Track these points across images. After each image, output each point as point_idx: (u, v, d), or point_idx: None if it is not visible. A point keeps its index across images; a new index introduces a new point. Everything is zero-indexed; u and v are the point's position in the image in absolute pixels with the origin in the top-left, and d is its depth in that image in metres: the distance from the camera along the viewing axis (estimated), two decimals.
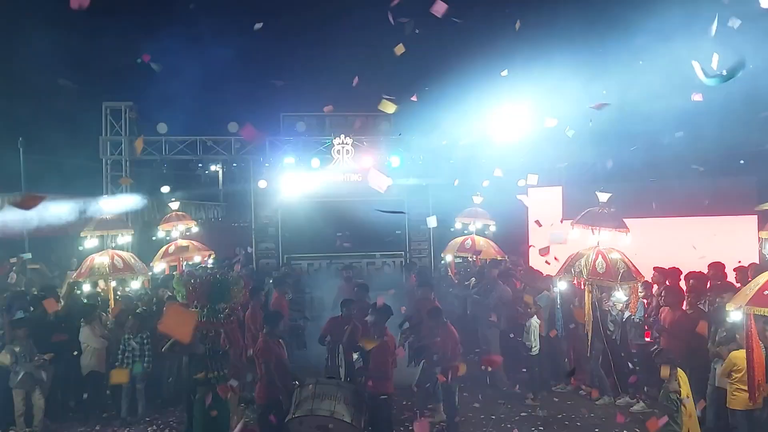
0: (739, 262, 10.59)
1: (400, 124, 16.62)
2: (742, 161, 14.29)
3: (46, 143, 16.58)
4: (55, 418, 9.72)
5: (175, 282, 8.10)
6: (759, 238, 10.24)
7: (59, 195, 16.36)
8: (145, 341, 9.88)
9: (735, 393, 7.30)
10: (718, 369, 8.18)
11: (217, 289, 7.37)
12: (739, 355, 7.23)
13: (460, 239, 14.09)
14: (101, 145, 16.66)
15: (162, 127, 16.66)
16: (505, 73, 12.58)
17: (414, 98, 11.70)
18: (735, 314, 7.19)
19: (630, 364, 10.25)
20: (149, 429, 9.47)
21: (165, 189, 16.10)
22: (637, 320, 9.97)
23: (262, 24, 10.84)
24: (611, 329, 10.11)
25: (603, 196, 9.66)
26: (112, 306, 10.89)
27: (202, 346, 7.36)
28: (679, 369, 7.48)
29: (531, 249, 14.82)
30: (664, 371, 7.25)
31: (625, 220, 9.55)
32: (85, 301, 11.04)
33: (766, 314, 6.67)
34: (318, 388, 7.90)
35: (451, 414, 8.80)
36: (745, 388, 7.11)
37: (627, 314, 10.01)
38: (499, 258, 13.28)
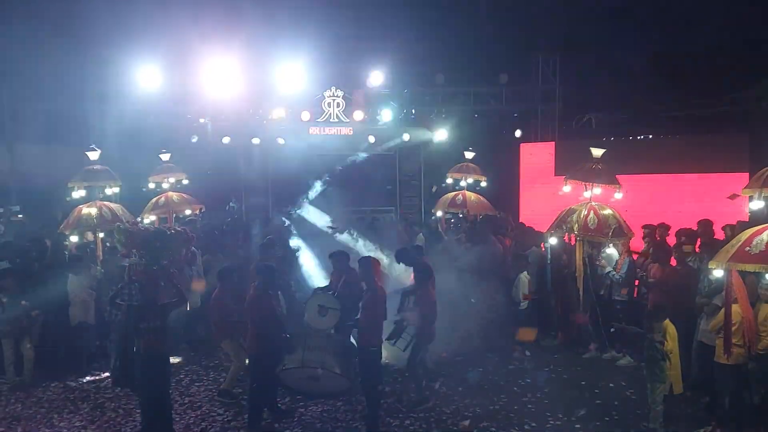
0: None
1: (393, 76, 16.34)
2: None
3: (30, 90, 16.18)
4: (44, 368, 9.73)
5: (116, 231, 8.17)
6: (747, 196, 10.25)
7: (46, 144, 16.13)
8: (134, 293, 9.82)
9: None
10: (703, 324, 8.25)
11: (156, 241, 7.45)
12: (733, 310, 7.27)
13: (451, 195, 14.07)
14: (88, 94, 16.27)
15: None
16: None
17: None
18: (717, 271, 7.22)
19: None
20: None
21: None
22: (618, 277, 10.01)
23: None
24: (600, 285, 10.17)
25: (596, 152, 9.61)
26: (101, 258, 10.82)
27: (141, 297, 7.33)
28: (669, 323, 7.53)
29: (521, 205, 14.84)
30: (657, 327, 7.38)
31: (617, 176, 9.53)
32: (75, 252, 10.97)
33: (746, 270, 6.72)
34: (308, 341, 7.94)
35: (411, 366, 8.67)
36: (739, 342, 7.19)
37: (608, 270, 10.05)
38: (490, 214, 13.28)
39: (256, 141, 16.64)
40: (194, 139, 16.50)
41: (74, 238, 11.16)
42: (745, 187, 9.57)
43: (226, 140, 16.63)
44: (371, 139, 16.59)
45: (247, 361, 8.39)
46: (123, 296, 7.71)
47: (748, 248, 6.51)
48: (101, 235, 11.16)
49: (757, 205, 9.33)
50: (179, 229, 8.41)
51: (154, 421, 7.05)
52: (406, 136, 16.75)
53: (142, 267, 7.56)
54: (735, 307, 7.13)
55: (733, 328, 7.13)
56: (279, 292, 8.76)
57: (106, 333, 10.03)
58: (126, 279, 7.86)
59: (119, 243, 7.88)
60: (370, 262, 7.82)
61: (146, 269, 7.49)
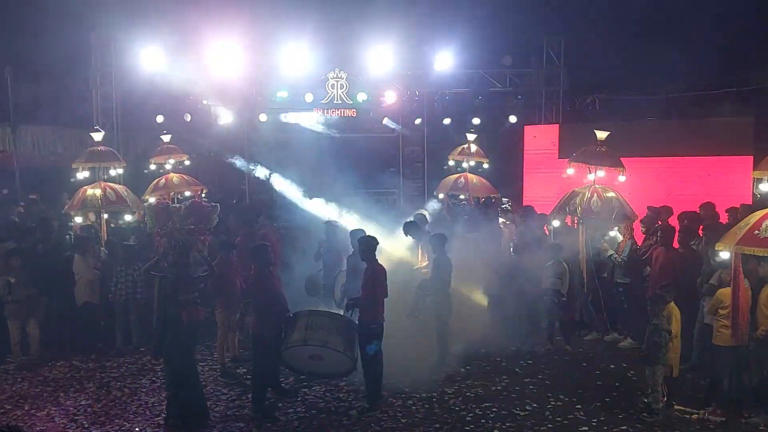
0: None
1: (396, 57, 16.23)
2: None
3: (35, 72, 16.15)
4: (50, 348, 9.82)
5: (147, 210, 8.56)
6: (752, 177, 10.25)
7: (49, 125, 16.13)
8: (138, 273, 9.90)
9: (720, 330, 7.38)
10: (705, 306, 8.27)
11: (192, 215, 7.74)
12: (726, 293, 7.29)
13: (453, 177, 14.05)
14: (91, 76, 16.25)
15: None
16: None
17: None
18: (723, 253, 7.22)
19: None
20: (144, 359, 9.58)
21: (159, 119, 15.82)
22: (620, 260, 10.01)
23: None
24: (602, 267, 10.19)
25: (601, 134, 9.58)
26: (104, 238, 10.87)
27: (174, 269, 7.46)
28: (674, 307, 7.53)
29: (525, 187, 14.81)
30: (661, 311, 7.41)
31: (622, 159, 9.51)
32: (79, 232, 11.02)
33: (755, 254, 6.70)
34: (311, 319, 7.98)
35: (440, 336, 8.99)
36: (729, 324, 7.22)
37: (610, 252, 10.05)
38: (492, 196, 13.28)
39: (263, 118, 16.60)
40: (188, 119, 16.45)
41: (79, 219, 11.21)
42: (755, 169, 9.55)
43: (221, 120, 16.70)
44: (386, 120, 16.68)
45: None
46: (158, 269, 7.96)
47: (756, 231, 6.48)
48: (105, 215, 11.20)
49: (767, 187, 9.32)
50: (208, 204, 8.64)
51: (182, 391, 7.22)
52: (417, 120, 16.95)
53: (173, 241, 7.74)
54: (727, 290, 7.16)
55: (726, 311, 7.16)
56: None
57: (111, 312, 10.11)
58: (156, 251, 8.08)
59: (150, 220, 8.16)
60: (369, 241, 7.84)
61: (176, 243, 7.65)
